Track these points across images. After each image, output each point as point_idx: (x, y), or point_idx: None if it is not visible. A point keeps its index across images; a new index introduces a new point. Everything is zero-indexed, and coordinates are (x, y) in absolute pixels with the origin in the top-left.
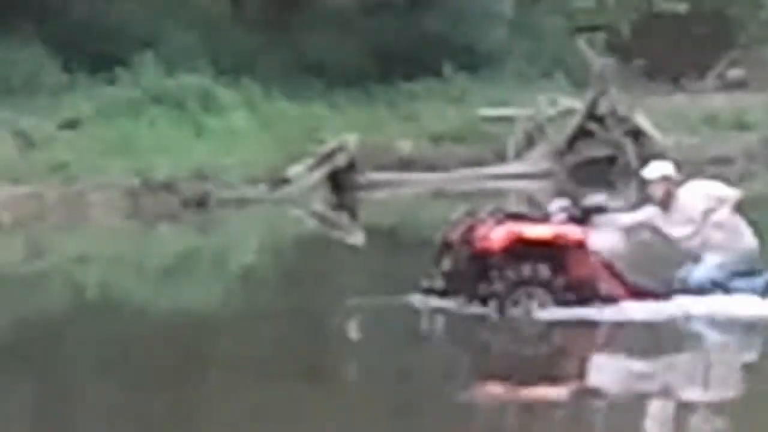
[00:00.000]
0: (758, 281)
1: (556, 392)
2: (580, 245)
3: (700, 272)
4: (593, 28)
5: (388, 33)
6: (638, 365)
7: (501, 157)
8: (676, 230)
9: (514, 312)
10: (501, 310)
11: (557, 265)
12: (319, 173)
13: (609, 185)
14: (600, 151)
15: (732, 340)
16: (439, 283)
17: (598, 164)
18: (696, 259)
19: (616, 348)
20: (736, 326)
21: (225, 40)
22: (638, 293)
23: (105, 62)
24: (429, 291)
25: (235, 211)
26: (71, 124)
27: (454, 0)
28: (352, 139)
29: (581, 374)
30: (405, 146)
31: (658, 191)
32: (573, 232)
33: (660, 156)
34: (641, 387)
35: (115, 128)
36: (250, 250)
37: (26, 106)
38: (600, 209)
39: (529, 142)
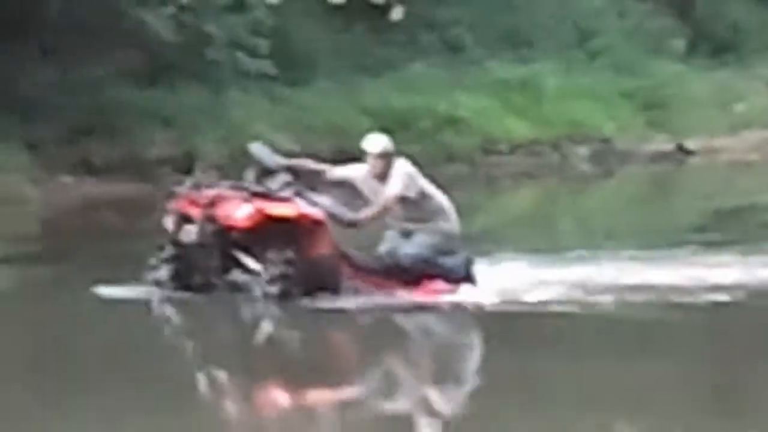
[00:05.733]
0: (459, 259)
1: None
2: (320, 224)
3: (411, 249)
4: None
5: None
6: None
7: None
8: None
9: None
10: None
11: (299, 246)
12: None
13: None
14: None
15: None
16: (164, 273)
17: None
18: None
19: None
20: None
21: None
22: (363, 273)
23: None
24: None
25: None
26: None
27: None
28: None
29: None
30: None
31: (377, 167)
32: (312, 210)
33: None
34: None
35: None
36: None
37: None
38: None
39: None
